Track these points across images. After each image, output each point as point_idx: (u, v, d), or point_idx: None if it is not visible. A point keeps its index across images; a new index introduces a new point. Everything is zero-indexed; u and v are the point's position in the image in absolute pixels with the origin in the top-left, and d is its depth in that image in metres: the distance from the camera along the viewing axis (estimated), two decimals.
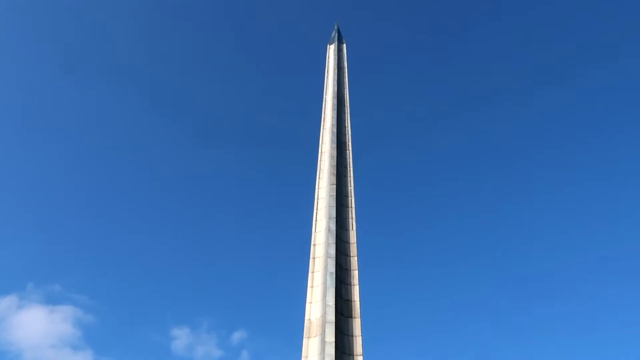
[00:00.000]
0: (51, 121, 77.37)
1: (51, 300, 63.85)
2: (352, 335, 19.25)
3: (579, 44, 77.87)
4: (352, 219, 23.13)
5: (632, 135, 70.88)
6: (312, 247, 22.09)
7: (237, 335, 64.11)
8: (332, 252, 20.88)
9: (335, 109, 28.49)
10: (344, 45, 33.95)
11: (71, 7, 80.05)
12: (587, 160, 74.07)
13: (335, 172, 24.67)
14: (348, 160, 26.27)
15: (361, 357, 18.79)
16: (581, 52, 77.90)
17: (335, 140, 26.33)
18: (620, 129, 73.36)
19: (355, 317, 19.76)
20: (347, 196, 24.23)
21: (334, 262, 20.50)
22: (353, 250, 21.86)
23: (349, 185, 24.90)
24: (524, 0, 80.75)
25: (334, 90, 29.90)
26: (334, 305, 19.15)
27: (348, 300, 20.19)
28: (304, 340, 19.21)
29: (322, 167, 25.51)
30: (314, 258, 21.78)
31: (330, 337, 18.32)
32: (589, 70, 77.24)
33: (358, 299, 20.21)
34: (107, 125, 77.98)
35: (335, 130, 26.92)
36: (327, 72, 31.98)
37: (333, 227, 21.85)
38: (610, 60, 74.87)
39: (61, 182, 74.07)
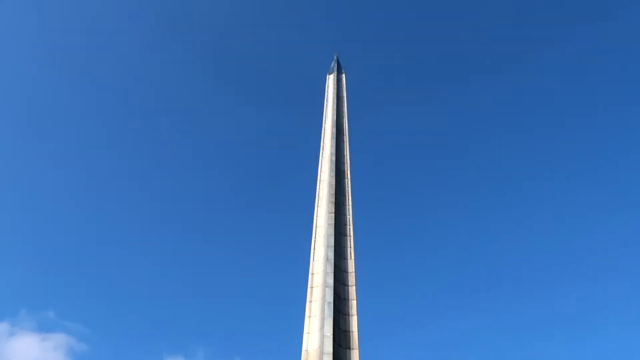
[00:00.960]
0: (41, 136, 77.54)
1: (44, 327, 62.83)
2: None
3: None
4: (350, 247, 22.99)
5: None
6: (310, 276, 21.85)
7: None
8: (330, 281, 20.63)
9: (335, 137, 28.66)
10: (343, 75, 34.46)
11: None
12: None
13: (334, 200, 24.64)
14: (347, 188, 26.28)
15: None
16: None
17: (334, 169, 26.39)
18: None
19: (353, 349, 19.37)
20: (345, 225, 24.14)
21: (332, 292, 20.23)
22: (351, 279, 21.63)
23: (347, 213, 24.83)
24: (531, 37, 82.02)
25: (332, 119, 30.15)
26: (332, 336, 18.78)
27: (346, 331, 19.83)
28: None
29: (320, 195, 25.51)
30: (311, 287, 21.50)
31: None
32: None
33: (356, 330, 19.85)
34: (104, 149, 78.16)
35: (334, 158, 27.02)
36: (327, 102, 32.34)
37: (331, 255, 21.67)
38: None
39: (54, 206, 73.88)
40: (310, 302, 20.85)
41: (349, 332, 19.82)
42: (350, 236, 23.60)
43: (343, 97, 32.73)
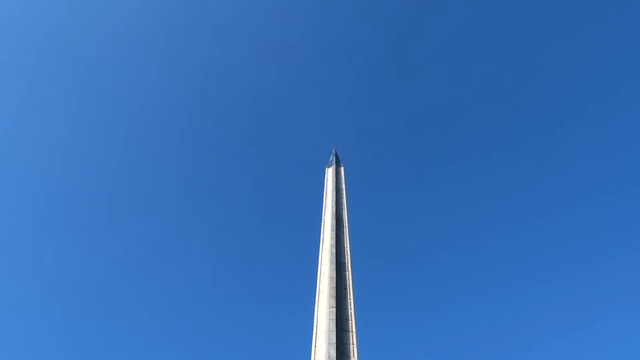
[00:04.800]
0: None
1: None
2: None
3: None
4: (353, 344, 21.91)
5: None
6: None
7: None
8: None
9: (334, 229, 28.52)
10: (342, 168, 35.14)
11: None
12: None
13: (334, 294, 23.91)
14: (348, 281, 25.63)
15: None
16: None
17: (335, 261, 25.93)
18: None
19: None
20: (347, 320, 23.21)
21: None
22: None
23: (349, 308, 23.99)
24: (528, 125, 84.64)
25: (332, 211, 30.21)
26: None
27: None
28: None
29: (321, 288, 24.82)
30: None
31: None
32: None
33: None
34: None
35: (334, 250, 26.66)
36: (326, 194, 32.62)
37: (333, 353, 20.58)
38: None
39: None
40: None
41: None
42: (352, 332, 22.59)
43: (342, 189, 33.11)
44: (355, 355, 21.45)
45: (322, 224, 29.78)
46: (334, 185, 32.95)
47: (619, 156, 76.47)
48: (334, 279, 24.65)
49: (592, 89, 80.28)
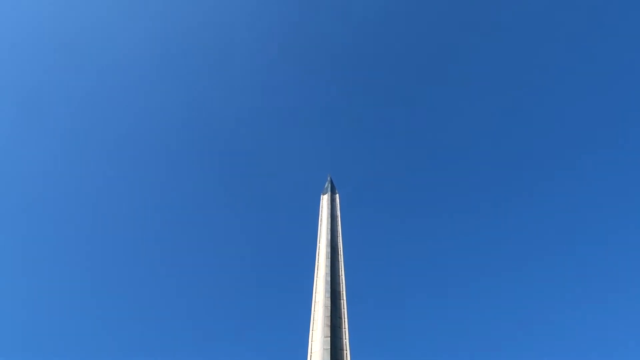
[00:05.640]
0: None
1: None
2: None
3: None
4: None
5: None
6: None
7: None
8: None
9: (329, 257, 28.29)
10: (337, 195, 35.08)
11: None
12: None
13: (329, 323, 23.57)
14: (343, 310, 25.30)
15: None
16: None
17: (329, 290, 25.65)
18: None
19: None
20: (342, 350, 22.83)
21: None
22: None
23: (344, 337, 23.61)
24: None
25: (327, 238, 30.03)
26: None
27: None
28: None
29: (315, 317, 24.47)
30: None
31: None
32: None
33: None
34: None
35: (329, 279, 26.40)
36: (321, 221, 32.47)
37: None
38: None
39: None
40: None
41: None
42: None
43: (337, 216, 32.99)
44: None
45: (317, 251, 29.57)
46: (329, 212, 32.85)
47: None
48: (329, 308, 24.35)
49: None
